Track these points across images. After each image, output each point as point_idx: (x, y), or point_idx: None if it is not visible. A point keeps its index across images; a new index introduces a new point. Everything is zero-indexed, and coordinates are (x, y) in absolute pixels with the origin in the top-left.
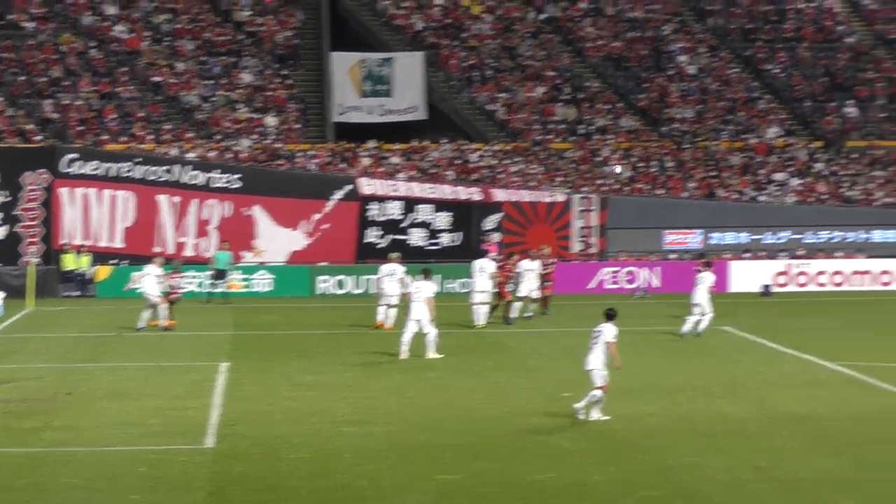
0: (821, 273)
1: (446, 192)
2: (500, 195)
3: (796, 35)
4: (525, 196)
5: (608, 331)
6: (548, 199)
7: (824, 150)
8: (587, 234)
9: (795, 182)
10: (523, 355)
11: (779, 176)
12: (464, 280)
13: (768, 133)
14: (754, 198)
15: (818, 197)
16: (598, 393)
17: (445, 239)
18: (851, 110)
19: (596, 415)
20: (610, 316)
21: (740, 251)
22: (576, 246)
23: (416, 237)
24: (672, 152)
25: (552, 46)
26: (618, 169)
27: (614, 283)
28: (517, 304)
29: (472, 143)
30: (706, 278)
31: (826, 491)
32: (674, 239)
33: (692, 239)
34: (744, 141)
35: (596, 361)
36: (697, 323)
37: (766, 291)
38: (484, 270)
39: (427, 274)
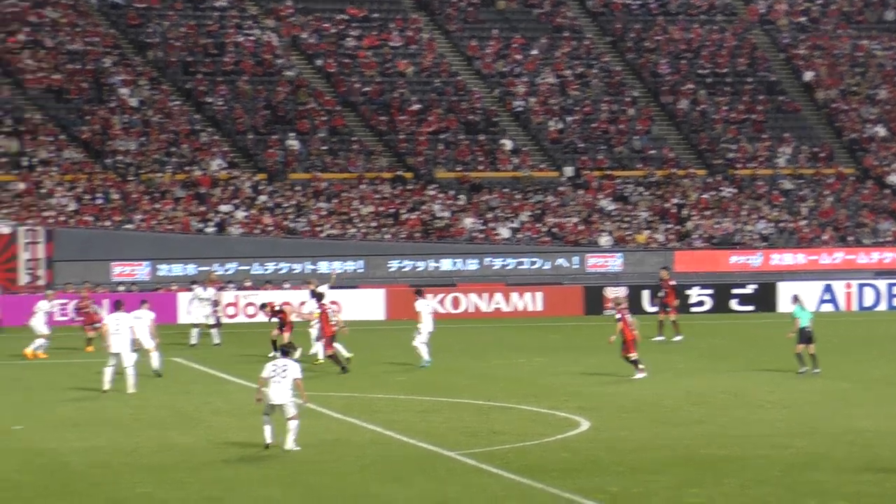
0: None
1: None
2: None
3: (236, 68)
4: None
5: (293, 367)
6: None
7: (268, 182)
8: (34, 266)
9: (241, 214)
10: None
11: (224, 208)
12: None
13: (212, 165)
14: (201, 229)
15: (264, 228)
16: (296, 422)
17: None
18: (293, 143)
19: (293, 445)
20: (287, 352)
21: (188, 282)
22: (23, 278)
23: None
24: (117, 184)
25: None
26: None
27: (64, 314)
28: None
29: None
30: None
31: None
32: (122, 270)
33: (140, 270)
34: (188, 173)
35: (286, 395)
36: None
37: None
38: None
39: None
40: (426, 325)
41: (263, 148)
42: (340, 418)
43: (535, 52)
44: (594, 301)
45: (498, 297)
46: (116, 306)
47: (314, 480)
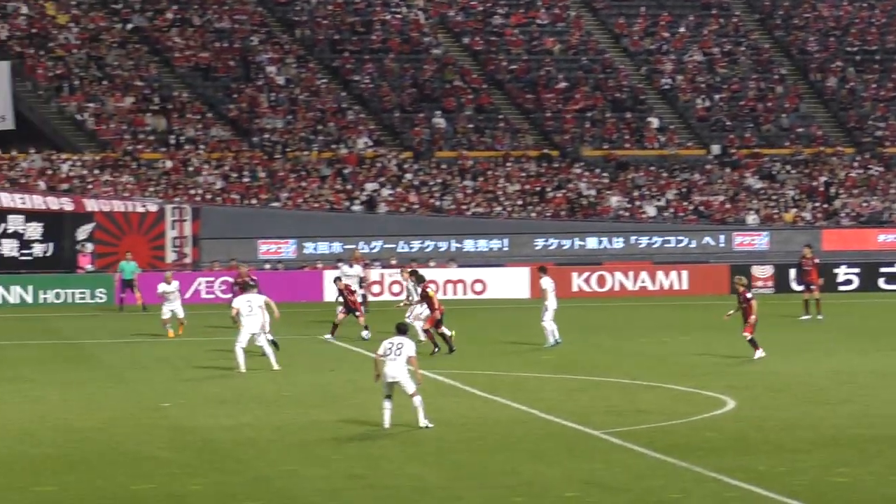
0: None
1: (37, 202)
2: (92, 205)
3: (383, 46)
4: (117, 206)
5: (409, 345)
6: (140, 209)
7: (414, 161)
8: (181, 244)
9: (387, 192)
10: (118, 366)
11: (370, 186)
12: (57, 291)
13: (358, 143)
14: (347, 207)
15: (410, 207)
16: (419, 397)
17: (38, 249)
18: (440, 121)
19: (425, 422)
20: (403, 330)
21: (334, 260)
22: (170, 256)
23: (8, 248)
24: (263, 162)
25: (140, 56)
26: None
27: (209, 292)
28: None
29: (62, 153)
30: None
31: (421, 497)
32: (268, 249)
33: (286, 248)
34: (334, 151)
35: (402, 371)
36: None
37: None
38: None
39: None
40: (551, 303)
41: (410, 126)
42: (486, 397)
43: (682, 29)
44: None
45: (643, 275)
46: (245, 287)
47: (459, 459)
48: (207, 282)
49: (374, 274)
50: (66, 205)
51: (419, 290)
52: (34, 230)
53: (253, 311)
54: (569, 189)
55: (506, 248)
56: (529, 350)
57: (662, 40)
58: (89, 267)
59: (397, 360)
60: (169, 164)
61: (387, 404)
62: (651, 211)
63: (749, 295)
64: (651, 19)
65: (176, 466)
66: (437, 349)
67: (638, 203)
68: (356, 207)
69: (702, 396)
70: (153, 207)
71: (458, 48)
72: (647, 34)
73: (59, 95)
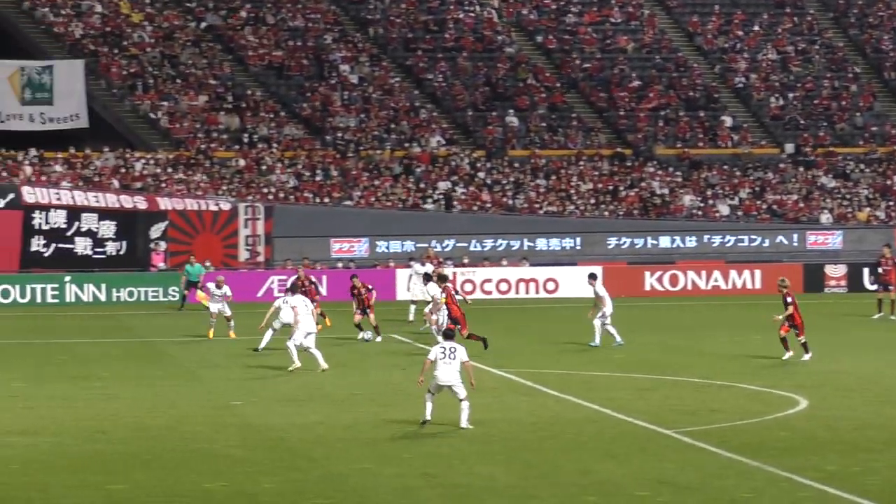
0: (487, 281)
1: (111, 200)
2: (165, 204)
3: (457, 45)
4: (190, 204)
5: (461, 350)
6: (213, 208)
7: (487, 159)
8: (254, 243)
9: (459, 191)
10: (190, 364)
11: (443, 185)
12: (130, 289)
13: (431, 142)
14: (419, 206)
15: (482, 205)
16: (468, 402)
17: (111, 248)
18: (513, 119)
19: (466, 423)
20: (451, 336)
21: (406, 259)
22: (243, 255)
23: (82, 246)
24: (336, 161)
25: (213, 55)
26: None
27: (282, 291)
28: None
29: (135, 151)
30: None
31: (493, 497)
32: (341, 247)
33: (359, 247)
34: (407, 150)
35: (455, 376)
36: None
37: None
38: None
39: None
40: (608, 308)
41: (483, 125)
42: (558, 396)
43: (756, 27)
44: (814, 279)
45: (716, 274)
46: (293, 289)
47: (532, 458)
48: (280, 280)
49: (447, 272)
50: (140, 203)
51: (443, 293)
52: (107, 228)
53: (309, 311)
54: (642, 188)
55: (578, 247)
56: (601, 349)
57: (736, 39)
58: (162, 265)
59: (451, 364)
60: (242, 162)
61: (429, 397)
62: (724, 210)
63: (790, 299)
64: (725, 18)
65: (248, 464)
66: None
67: (711, 202)
68: (428, 206)
69: (774, 396)
70: (226, 206)
71: (532, 47)
72: (720, 33)
73: (133, 94)
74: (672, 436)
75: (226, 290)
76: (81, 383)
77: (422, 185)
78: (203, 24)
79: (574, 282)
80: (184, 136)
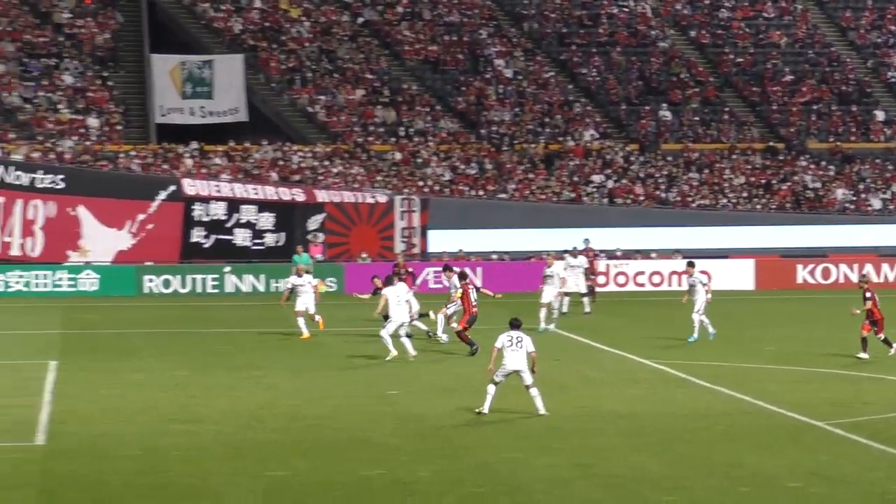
0: (639, 273)
1: (269, 192)
2: (322, 196)
3: (610, 39)
4: (348, 197)
5: (528, 339)
6: (370, 200)
7: (640, 153)
8: (409, 235)
9: (612, 184)
10: (346, 354)
11: (596, 178)
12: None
13: (585, 136)
14: (573, 199)
15: (635, 198)
16: (536, 388)
17: (269, 239)
18: (665, 113)
19: (543, 410)
20: (517, 325)
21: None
22: (399, 246)
23: (241, 237)
24: (491, 154)
25: (370, 50)
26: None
27: (437, 282)
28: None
29: (293, 144)
30: None
31: (645, 487)
32: (494, 239)
33: (512, 239)
34: (561, 143)
35: (523, 362)
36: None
37: (589, 291)
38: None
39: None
40: (701, 297)
41: (636, 119)
42: (710, 387)
43: None
44: None
45: (868, 267)
46: (389, 280)
47: (683, 449)
48: (435, 271)
49: (600, 265)
50: (298, 195)
51: (460, 288)
52: (266, 220)
53: (400, 303)
54: (794, 181)
55: (730, 240)
56: (751, 341)
57: (889, 34)
58: (319, 256)
59: (519, 351)
60: (398, 155)
61: (491, 389)
62: (876, 203)
63: (868, 294)
64: (878, 13)
65: (403, 453)
66: (475, 346)
67: (863, 195)
68: (582, 199)
69: None
70: (382, 198)
71: (685, 41)
72: (873, 27)
73: (291, 88)
74: (824, 428)
75: (307, 277)
76: (240, 373)
77: (575, 179)
78: (360, 20)
79: (726, 274)
80: (341, 130)
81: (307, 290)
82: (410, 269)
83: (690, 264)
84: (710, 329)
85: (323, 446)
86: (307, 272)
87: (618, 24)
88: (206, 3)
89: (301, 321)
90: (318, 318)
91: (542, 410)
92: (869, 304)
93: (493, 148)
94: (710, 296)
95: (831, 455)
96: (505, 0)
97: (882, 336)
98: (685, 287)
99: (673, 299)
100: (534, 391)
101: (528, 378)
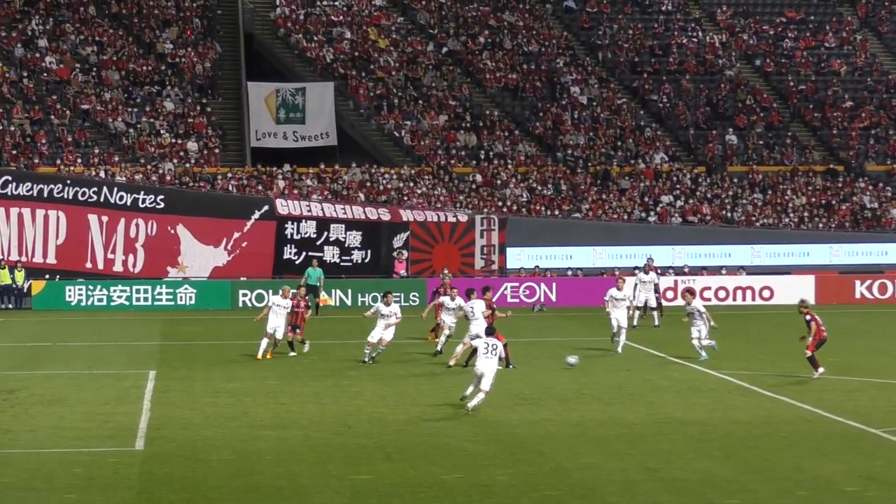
0: (706, 289)
1: (357, 212)
2: (407, 215)
3: (680, 68)
4: (431, 216)
5: (500, 348)
6: (452, 220)
7: (707, 175)
8: (489, 252)
9: (681, 204)
10: (430, 363)
11: (665, 198)
12: (374, 294)
13: (655, 159)
14: (643, 218)
15: (702, 218)
16: (484, 395)
17: (357, 256)
18: (732, 137)
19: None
20: (491, 332)
21: (630, 268)
22: (479, 263)
23: (330, 254)
24: (566, 176)
25: (453, 78)
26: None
27: (514, 297)
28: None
29: (380, 167)
30: None
31: (711, 491)
32: (569, 256)
33: (586, 256)
34: (632, 166)
35: (492, 369)
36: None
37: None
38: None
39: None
40: (699, 326)
41: (704, 142)
42: (772, 396)
43: None
44: None
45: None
46: (468, 294)
47: (747, 454)
48: (513, 287)
49: (668, 281)
50: (384, 215)
51: (471, 307)
52: (354, 238)
53: (476, 315)
54: (853, 202)
55: (792, 258)
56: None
57: None
58: (403, 273)
59: (492, 359)
60: (479, 177)
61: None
62: None
63: (808, 317)
64: None
65: (482, 458)
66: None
67: None
68: (652, 218)
69: None
70: (463, 218)
71: (751, 70)
72: None
73: (379, 114)
74: (881, 435)
75: (288, 302)
76: (329, 381)
77: (646, 199)
78: (444, 49)
79: (788, 290)
80: (425, 153)
81: (281, 313)
82: (454, 287)
83: (690, 292)
84: (704, 354)
85: (406, 451)
86: (313, 289)
87: (687, 53)
88: (300, 34)
89: (264, 342)
90: (305, 340)
91: (472, 404)
92: (814, 327)
93: (568, 170)
94: (713, 322)
95: (887, 461)
96: (581, 31)
97: (809, 354)
98: (735, 302)
99: (738, 313)
100: (482, 395)
101: (486, 384)
